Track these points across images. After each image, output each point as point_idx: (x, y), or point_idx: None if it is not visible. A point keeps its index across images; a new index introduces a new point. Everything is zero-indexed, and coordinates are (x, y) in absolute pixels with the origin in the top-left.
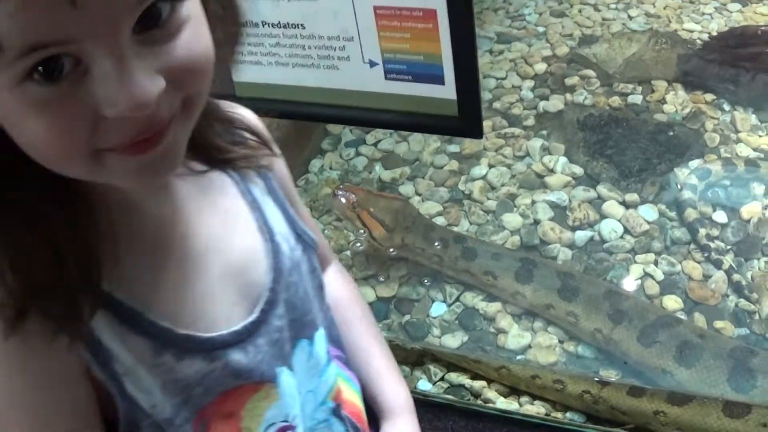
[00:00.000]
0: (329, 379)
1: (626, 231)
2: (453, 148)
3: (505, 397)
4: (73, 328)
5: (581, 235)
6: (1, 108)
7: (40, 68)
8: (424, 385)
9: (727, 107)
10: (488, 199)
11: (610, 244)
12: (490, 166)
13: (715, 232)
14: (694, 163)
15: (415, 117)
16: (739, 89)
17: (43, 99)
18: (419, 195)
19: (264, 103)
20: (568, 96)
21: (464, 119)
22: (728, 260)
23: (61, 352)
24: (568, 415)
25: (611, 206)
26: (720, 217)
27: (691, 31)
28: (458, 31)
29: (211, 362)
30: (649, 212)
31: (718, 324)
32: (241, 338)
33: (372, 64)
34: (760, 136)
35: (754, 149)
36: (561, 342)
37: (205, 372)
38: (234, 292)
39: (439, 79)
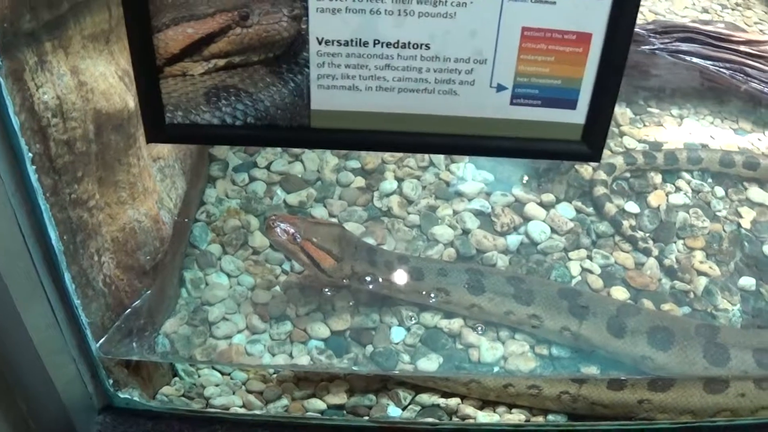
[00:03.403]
0: None
1: (553, 231)
2: (353, 163)
3: (480, 410)
4: None
5: (513, 240)
6: None
7: None
8: (394, 411)
9: None
10: (409, 213)
11: (543, 245)
12: (399, 179)
13: (634, 223)
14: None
15: (535, 143)
16: None
17: None
18: (334, 217)
19: (344, 134)
20: None
21: (588, 144)
22: (653, 247)
23: None
24: (550, 417)
25: (532, 208)
26: (632, 207)
27: None
28: (611, 55)
29: None
30: (567, 210)
31: (665, 307)
32: None
33: (500, 88)
34: (640, 128)
35: (639, 141)
36: (532, 347)
37: None
38: None
39: (572, 104)
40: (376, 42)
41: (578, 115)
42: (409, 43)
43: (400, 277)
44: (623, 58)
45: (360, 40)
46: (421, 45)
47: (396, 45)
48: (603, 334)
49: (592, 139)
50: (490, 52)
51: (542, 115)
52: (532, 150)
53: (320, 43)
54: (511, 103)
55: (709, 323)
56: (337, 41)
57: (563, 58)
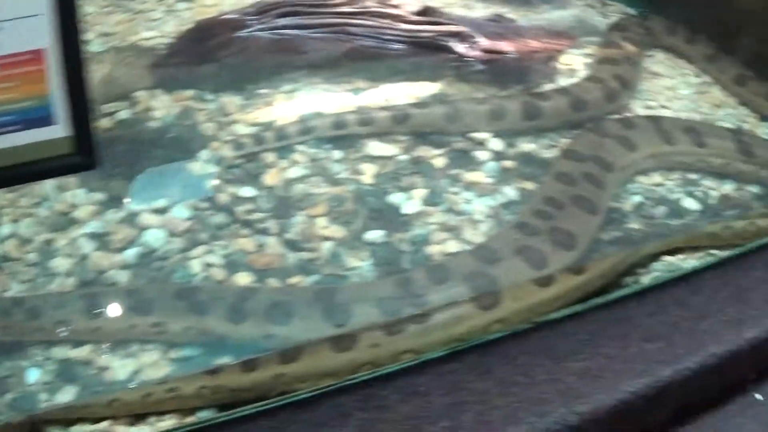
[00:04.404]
0: None
1: (170, 234)
2: None
3: (134, 426)
4: None
5: (131, 254)
6: None
7: None
8: None
9: (210, 96)
10: (28, 253)
11: (161, 251)
12: (14, 221)
13: (251, 206)
14: (205, 154)
15: (28, 167)
16: (215, 78)
17: None
18: None
19: None
20: None
21: (81, 153)
22: (273, 225)
23: None
24: (200, 414)
25: (145, 218)
26: (247, 191)
27: (150, 39)
28: (70, 64)
29: None
30: (182, 211)
31: (293, 280)
32: None
33: None
34: (250, 113)
35: (252, 125)
36: (165, 353)
37: None
38: None
39: (50, 120)
40: None
41: (62, 129)
42: None
43: (19, 319)
44: (81, 65)
45: None
46: None
47: None
48: (224, 323)
49: (82, 147)
50: None
51: (26, 139)
52: (27, 174)
53: None
54: None
55: (330, 286)
56: None
57: (27, 78)
